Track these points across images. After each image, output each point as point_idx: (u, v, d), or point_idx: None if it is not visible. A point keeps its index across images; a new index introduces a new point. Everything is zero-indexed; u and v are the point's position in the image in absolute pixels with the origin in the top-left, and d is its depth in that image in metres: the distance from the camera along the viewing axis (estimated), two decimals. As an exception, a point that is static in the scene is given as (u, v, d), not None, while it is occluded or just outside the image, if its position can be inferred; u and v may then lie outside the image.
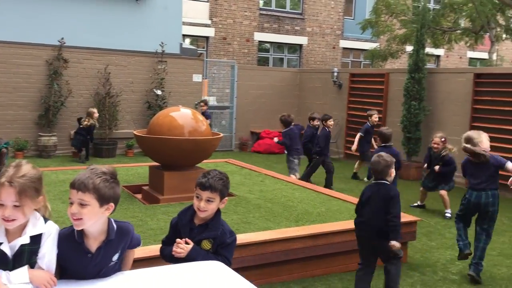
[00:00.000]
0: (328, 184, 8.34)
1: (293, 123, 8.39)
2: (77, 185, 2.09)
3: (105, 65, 10.76)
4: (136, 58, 11.27)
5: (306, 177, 8.43)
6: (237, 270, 2.52)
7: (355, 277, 3.96)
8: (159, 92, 11.22)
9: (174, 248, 2.61)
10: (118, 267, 2.29)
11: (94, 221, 2.14)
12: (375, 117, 9.20)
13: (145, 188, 5.92)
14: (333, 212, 5.17)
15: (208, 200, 2.63)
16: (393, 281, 3.79)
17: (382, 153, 3.89)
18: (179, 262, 2.56)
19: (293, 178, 7.69)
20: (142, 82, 11.32)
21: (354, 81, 11.84)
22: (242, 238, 4.11)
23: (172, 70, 11.54)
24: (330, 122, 8.85)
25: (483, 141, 4.54)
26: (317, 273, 4.47)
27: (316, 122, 8.90)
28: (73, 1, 10.77)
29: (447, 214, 6.86)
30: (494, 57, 16.26)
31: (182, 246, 2.59)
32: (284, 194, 5.91)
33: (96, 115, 10.01)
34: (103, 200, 2.12)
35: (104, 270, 2.23)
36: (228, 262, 2.61)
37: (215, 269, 2.43)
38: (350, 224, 4.66)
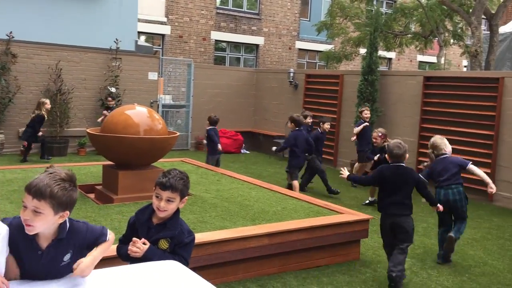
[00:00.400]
0: (303, 184, 8.39)
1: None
2: (33, 192, 2.00)
3: (57, 61, 10.42)
4: (90, 54, 10.98)
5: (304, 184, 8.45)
6: (193, 269, 2.51)
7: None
8: (113, 89, 10.98)
9: (130, 248, 2.57)
10: (71, 268, 2.22)
11: (46, 227, 2.09)
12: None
13: (99, 187, 5.79)
14: (289, 211, 5.24)
15: (169, 200, 2.61)
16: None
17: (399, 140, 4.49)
18: (135, 261, 2.53)
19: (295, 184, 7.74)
20: (95, 79, 11.05)
21: (309, 81, 12.02)
22: (198, 237, 4.08)
23: (127, 68, 11.32)
24: (326, 126, 8.69)
25: (447, 145, 5.21)
26: (273, 271, 4.52)
27: (308, 120, 8.85)
28: (23, -7, 10.38)
29: (367, 200, 7.54)
30: (442, 61, 16.93)
31: (138, 246, 2.56)
32: (241, 193, 5.93)
33: (48, 106, 9.44)
34: (58, 208, 2.05)
35: (54, 270, 2.16)
36: (185, 262, 2.60)
37: (172, 268, 2.42)
38: (305, 223, 4.75)
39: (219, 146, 8.53)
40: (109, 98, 10.72)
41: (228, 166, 9.89)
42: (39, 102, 9.46)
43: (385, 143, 6.96)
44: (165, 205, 2.60)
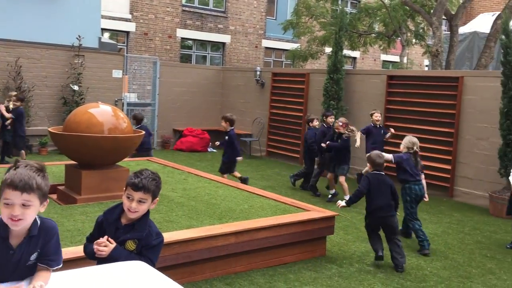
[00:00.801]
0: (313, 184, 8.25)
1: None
2: (21, 187, 1.98)
3: (16, 58, 10.10)
4: (51, 51, 10.69)
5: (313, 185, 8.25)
6: (160, 269, 2.48)
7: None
8: (75, 87, 10.73)
9: (95, 247, 2.53)
10: (35, 269, 2.16)
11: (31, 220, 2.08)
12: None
13: (61, 188, 5.65)
14: (256, 209, 5.25)
15: (140, 201, 2.58)
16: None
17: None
18: (101, 260, 2.49)
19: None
20: (57, 76, 10.76)
21: (276, 80, 12.08)
22: (165, 237, 4.01)
23: (90, 65, 11.08)
24: (331, 119, 8.33)
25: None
26: (240, 269, 4.52)
27: (315, 123, 8.52)
28: (-21, -13, 10.01)
29: (329, 195, 7.81)
30: (405, 60, 17.32)
31: (104, 245, 2.52)
32: (208, 192, 5.90)
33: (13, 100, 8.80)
34: (42, 198, 2.06)
35: (21, 270, 2.11)
36: (152, 264, 2.57)
37: (138, 269, 2.38)
38: (272, 221, 4.78)
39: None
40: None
41: (194, 165, 9.83)
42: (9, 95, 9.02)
43: (347, 131, 7.62)
44: (137, 206, 2.57)
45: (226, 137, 7.68)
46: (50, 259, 2.17)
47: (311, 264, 4.85)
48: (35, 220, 2.12)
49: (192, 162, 10.58)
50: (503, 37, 7.48)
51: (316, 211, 5.24)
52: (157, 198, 2.69)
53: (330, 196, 7.83)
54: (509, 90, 7.27)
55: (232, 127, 7.72)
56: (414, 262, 5.13)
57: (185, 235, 4.21)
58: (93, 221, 4.46)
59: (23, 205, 2.00)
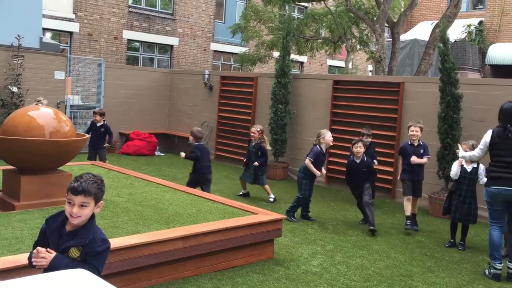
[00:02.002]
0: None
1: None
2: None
3: (-51, 57, 9.54)
4: (-13, 50, 10.18)
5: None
6: (105, 276, 2.42)
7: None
8: (14, 89, 10.26)
9: (33, 258, 2.43)
10: None
11: None
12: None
13: (-2, 194, 5.38)
14: (204, 213, 5.22)
15: (82, 205, 2.52)
16: None
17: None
18: (46, 269, 2.41)
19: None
20: (-6, 77, 10.26)
21: (224, 83, 12.08)
22: (109, 243, 3.95)
23: (30, 66, 10.63)
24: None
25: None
26: (187, 274, 4.48)
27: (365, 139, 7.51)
28: None
29: (270, 199, 7.98)
30: (350, 65, 17.82)
31: (42, 255, 2.42)
32: (155, 197, 5.81)
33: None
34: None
35: None
36: (96, 272, 2.50)
37: (80, 277, 2.30)
38: (220, 224, 4.77)
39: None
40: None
41: (141, 169, 9.65)
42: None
43: (261, 139, 7.93)
44: (78, 211, 2.51)
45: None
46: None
47: (259, 267, 4.88)
48: None
49: (138, 166, 10.39)
50: (441, 45, 7.84)
51: (264, 214, 5.27)
52: (102, 202, 2.63)
53: (241, 193, 8.25)
54: (446, 95, 7.63)
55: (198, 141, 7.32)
56: (359, 263, 5.28)
57: (131, 241, 4.12)
58: (33, 228, 4.30)
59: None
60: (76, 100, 12.00)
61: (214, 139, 12.05)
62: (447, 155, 7.60)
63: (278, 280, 4.61)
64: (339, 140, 9.54)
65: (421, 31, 19.93)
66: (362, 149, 6.68)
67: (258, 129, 7.97)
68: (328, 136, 6.88)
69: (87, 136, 5.89)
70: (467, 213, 5.95)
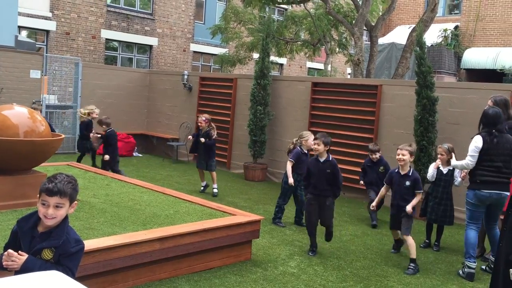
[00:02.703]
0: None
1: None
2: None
3: None
4: (-40, 48, 9.94)
5: None
6: (80, 278, 2.40)
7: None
8: (-11, 87, 10.05)
9: (4, 261, 2.38)
10: None
11: None
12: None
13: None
14: (181, 214, 5.20)
15: (57, 206, 2.49)
16: None
17: None
18: (18, 272, 2.36)
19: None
20: (-33, 75, 10.02)
21: (204, 84, 12.04)
22: (85, 244, 3.89)
23: (5, 65, 10.42)
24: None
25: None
26: (164, 276, 4.45)
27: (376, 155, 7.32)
28: None
29: (215, 190, 8.26)
30: (329, 68, 17.97)
31: (14, 258, 2.38)
32: (132, 198, 5.76)
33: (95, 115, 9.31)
34: None
35: None
36: (70, 273, 2.46)
37: (53, 279, 2.27)
38: (198, 226, 4.75)
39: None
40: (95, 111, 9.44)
41: (119, 170, 9.54)
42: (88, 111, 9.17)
43: (209, 127, 8.28)
44: (54, 212, 2.48)
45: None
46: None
47: (237, 269, 4.87)
48: None
49: (116, 167, 10.25)
50: (417, 48, 7.97)
51: (241, 215, 5.27)
52: (76, 202, 2.61)
53: (202, 188, 8.51)
54: (422, 98, 7.75)
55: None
56: (336, 263, 5.32)
57: (107, 242, 4.07)
58: (6, 230, 4.21)
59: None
60: (52, 99, 11.81)
61: (191, 141, 11.98)
62: (422, 157, 7.72)
63: (256, 281, 4.61)
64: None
65: (399, 35, 20.24)
66: (322, 146, 5.48)
67: (204, 119, 8.32)
68: (311, 140, 6.45)
69: (63, 136, 5.80)
70: (443, 214, 6.06)
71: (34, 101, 10.74)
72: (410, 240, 5.28)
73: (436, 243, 6.20)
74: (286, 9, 21.03)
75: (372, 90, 8.99)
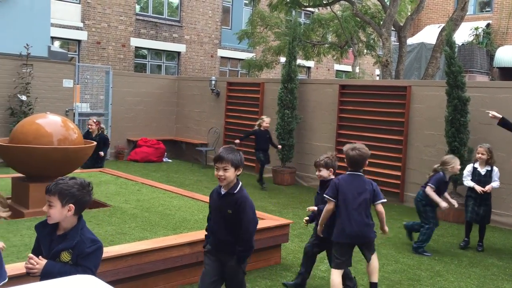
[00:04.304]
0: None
1: None
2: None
3: (-41, 67, 9.67)
4: (-3, 60, 10.31)
5: None
6: (112, 282, 2.44)
7: None
8: (23, 97, 10.38)
9: (25, 265, 2.47)
10: None
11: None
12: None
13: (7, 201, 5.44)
14: (210, 219, 5.23)
15: (49, 205, 2.60)
16: None
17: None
18: (43, 277, 2.44)
19: None
20: (4, 86, 10.38)
21: (231, 89, 12.12)
22: (116, 249, 3.99)
23: (39, 74, 10.75)
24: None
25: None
26: (195, 280, 4.48)
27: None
28: None
29: None
30: (357, 70, 17.81)
31: (32, 262, 2.46)
32: (162, 203, 5.84)
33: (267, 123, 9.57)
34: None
35: None
36: (90, 272, 2.51)
37: (86, 283, 2.32)
38: (227, 230, 4.77)
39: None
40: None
41: (149, 175, 9.70)
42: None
43: (100, 129, 8.59)
44: (47, 209, 2.60)
45: None
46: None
47: (266, 273, 4.87)
48: None
49: (147, 172, 10.43)
50: (447, 48, 7.82)
51: (271, 220, 5.28)
52: (71, 205, 2.60)
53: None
54: (453, 99, 7.59)
55: None
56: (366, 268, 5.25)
57: (138, 247, 4.14)
58: (42, 235, 4.33)
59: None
60: (84, 107, 12.11)
61: (221, 145, 12.06)
62: (455, 159, 7.55)
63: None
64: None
65: (428, 34, 19.87)
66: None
67: (95, 120, 8.68)
68: (457, 165, 5.86)
69: (94, 143, 5.94)
70: (484, 214, 6.08)
71: (67, 109, 11.04)
72: None
73: (480, 243, 6.18)
74: (312, 12, 20.97)
75: (401, 91, 8.86)
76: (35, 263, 2.46)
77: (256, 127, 9.52)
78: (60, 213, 2.59)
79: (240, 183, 3.42)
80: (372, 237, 4.21)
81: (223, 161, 3.27)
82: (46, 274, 2.44)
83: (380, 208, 4.25)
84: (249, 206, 3.33)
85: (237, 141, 9.43)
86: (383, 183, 8.52)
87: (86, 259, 2.56)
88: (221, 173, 3.28)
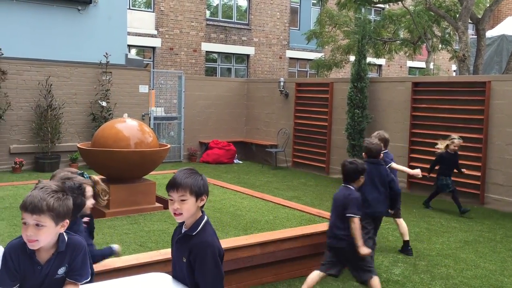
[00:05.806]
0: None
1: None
2: (30, 209, 2.06)
3: (47, 77, 10.43)
4: (79, 69, 11.00)
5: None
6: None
7: None
8: (104, 103, 11.00)
9: None
10: (63, 282, 2.25)
11: (49, 240, 2.14)
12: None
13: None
14: (281, 220, 5.26)
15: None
16: None
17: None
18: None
19: None
20: (86, 93, 11.06)
21: (300, 90, 12.09)
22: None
23: (117, 81, 11.35)
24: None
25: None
26: (266, 280, 4.53)
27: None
28: (11, 10, 10.41)
29: None
30: (431, 66, 17.09)
31: None
32: (233, 204, 5.94)
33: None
34: (58, 218, 2.12)
35: (47, 282, 2.20)
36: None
37: (159, 280, 2.43)
38: (298, 231, 4.77)
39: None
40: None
41: (220, 177, 9.91)
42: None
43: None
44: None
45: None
46: (78, 274, 2.25)
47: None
48: (62, 236, 2.21)
49: (218, 174, 10.66)
50: (531, 39, 7.31)
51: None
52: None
53: None
54: (539, 93, 7.08)
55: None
56: (444, 272, 5.03)
57: (210, 246, 4.23)
58: (121, 234, 4.57)
59: (37, 225, 2.07)
60: (159, 111, 12.61)
61: (291, 146, 12.09)
62: (541, 158, 7.04)
63: (358, 287, 4.51)
64: (420, 144, 9.19)
65: (510, 26, 18.63)
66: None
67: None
68: None
69: (169, 146, 6.16)
70: None
71: (143, 114, 11.57)
72: None
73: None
74: (383, 8, 20.43)
75: (480, 87, 8.39)
76: None
77: (439, 150, 7.62)
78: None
79: (205, 218, 2.48)
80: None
81: (179, 189, 2.30)
82: None
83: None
84: (210, 255, 2.34)
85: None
86: (461, 183, 8.12)
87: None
88: (175, 206, 2.29)
